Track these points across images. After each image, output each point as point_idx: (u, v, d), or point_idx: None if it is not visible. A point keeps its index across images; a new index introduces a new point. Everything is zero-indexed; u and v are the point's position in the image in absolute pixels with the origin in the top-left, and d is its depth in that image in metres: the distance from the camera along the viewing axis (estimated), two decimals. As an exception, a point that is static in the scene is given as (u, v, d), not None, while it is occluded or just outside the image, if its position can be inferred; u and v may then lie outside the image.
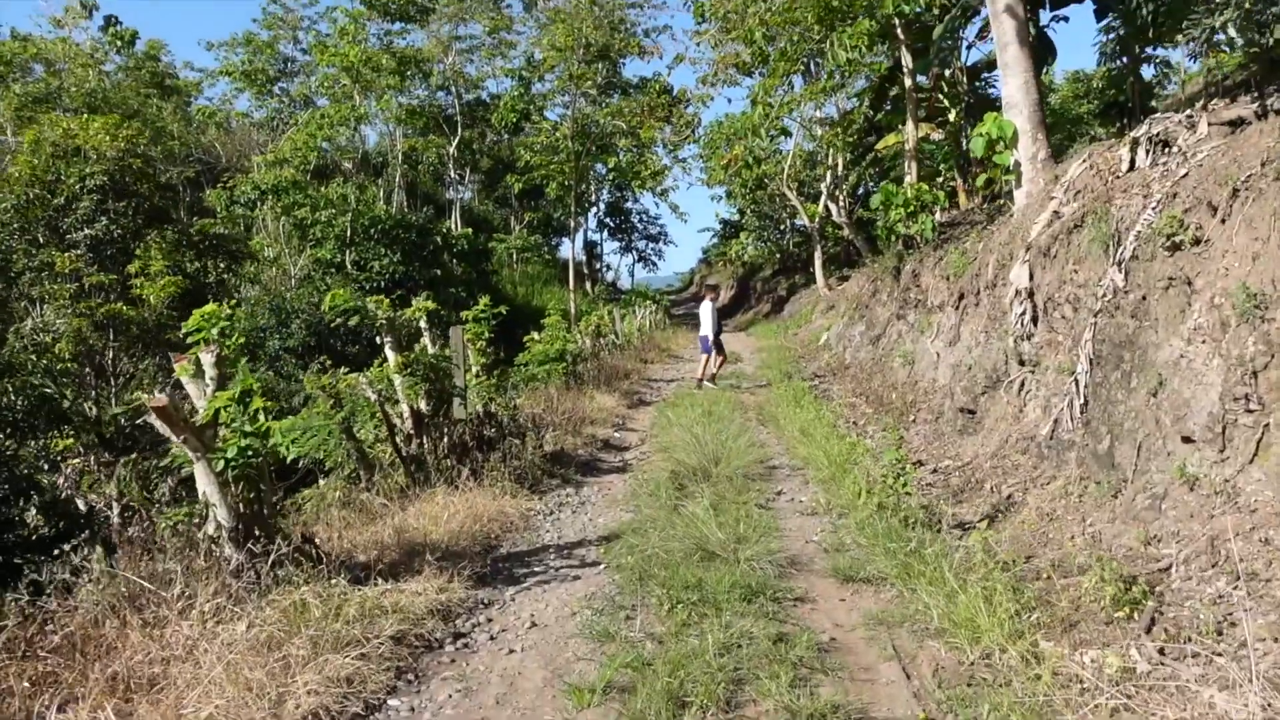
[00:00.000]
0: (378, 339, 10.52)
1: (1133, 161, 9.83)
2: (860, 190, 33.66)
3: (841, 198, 30.16)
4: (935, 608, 5.71)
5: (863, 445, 10.66)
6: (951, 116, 21.76)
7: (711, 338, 19.29)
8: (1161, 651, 4.94)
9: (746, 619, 5.70)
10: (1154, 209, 8.33)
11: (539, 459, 10.75)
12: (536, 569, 7.24)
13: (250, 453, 5.87)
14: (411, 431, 10.10)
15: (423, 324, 11.10)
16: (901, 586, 6.31)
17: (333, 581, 5.92)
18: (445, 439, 10.23)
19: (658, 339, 30.04)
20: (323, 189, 33.47)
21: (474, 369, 12.44)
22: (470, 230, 34.46)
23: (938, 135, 22.07)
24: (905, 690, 4.91)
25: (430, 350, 11.10)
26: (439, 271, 32.89)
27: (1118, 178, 9.77)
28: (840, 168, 29.04)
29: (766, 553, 7.00)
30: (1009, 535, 7.54)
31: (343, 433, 9.37)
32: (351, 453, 9.44)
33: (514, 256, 41.79)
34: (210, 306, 6.25)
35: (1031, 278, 10.21)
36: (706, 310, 19.56)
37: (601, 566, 7.20)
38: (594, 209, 49.51)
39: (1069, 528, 7.27)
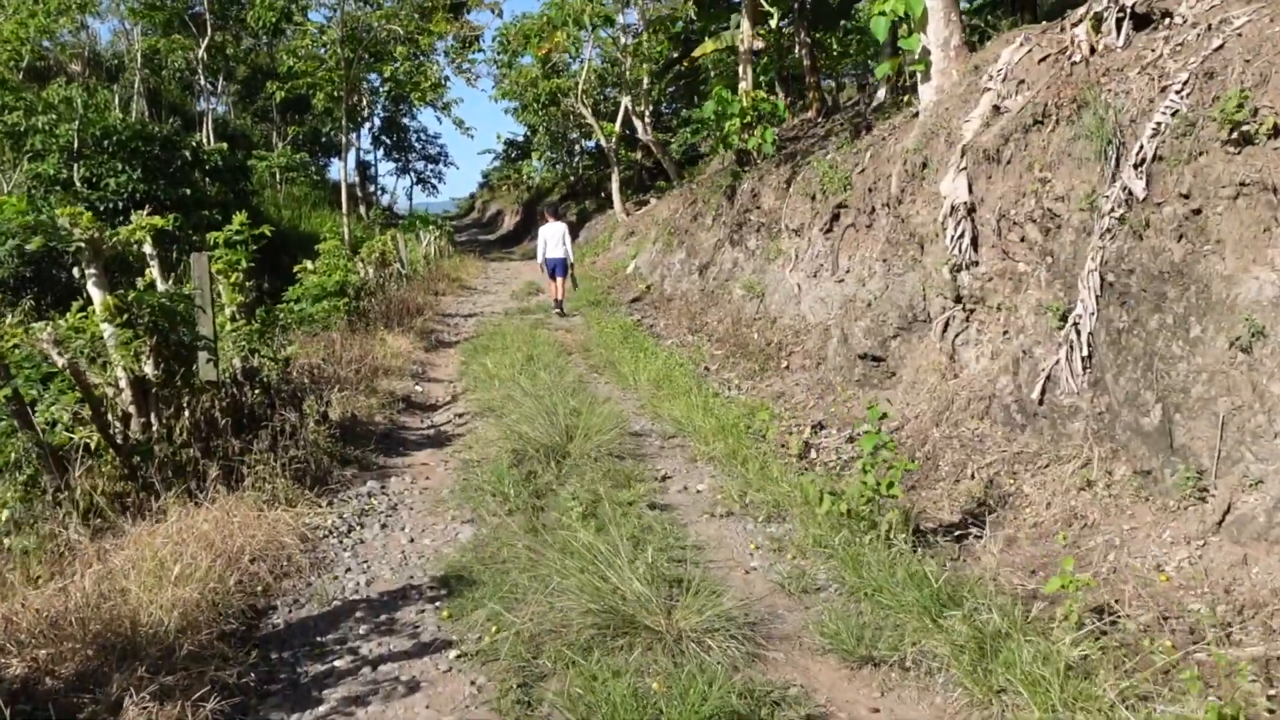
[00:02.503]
0: (76, 272, 7.01)
1: (1092, 45, 7.57)
2: (662, 109, 31.03)
3: (647, 115, 27.38)
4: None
5: (766, 409, 8.09)
6: (773, 23, 19.33)
7: (572, 259, 17.99)
8: None
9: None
10: (1179, 93, 6.02)
11: (324, 438, 7.56)
12: (339, 664, 4.19)
13: None
14: (131, 408, 6.71)
15: (147, 249, 7.58)
16: (969, 683, 3.72)
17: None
18: (185, 416, 6.90)
19: (446, 268, 26.58)
20: (42, 92, 27.80)
21: (228, 310, 9.02)
22: (225, 145, 29.57)
23: (758, 44, 19.57)
24: None
25: (161, 286, 7.64)
26: (189, 191, 27.98)
27: (1078, 62, 7.47)
28: (645, 81, 26.23)
29: (718, 616, 4.26)
30: (1031, 553, 5.13)
31: (12, 416, 5.93)
32: (31, 449, 6.00)
33: (277, 176, 36.71)
34: None
35: (971, 190, 7.83)
36: (558, 232, 17.67)
37: (452, 655, 4.24)
38: (368, 124, 44.66)
39: (1135, 545, 4.90)
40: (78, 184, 25.74)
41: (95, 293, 6.76)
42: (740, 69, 16.72)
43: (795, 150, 14.57)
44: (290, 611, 4.77)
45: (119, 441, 6.44)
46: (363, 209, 40.35)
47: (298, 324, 12.39)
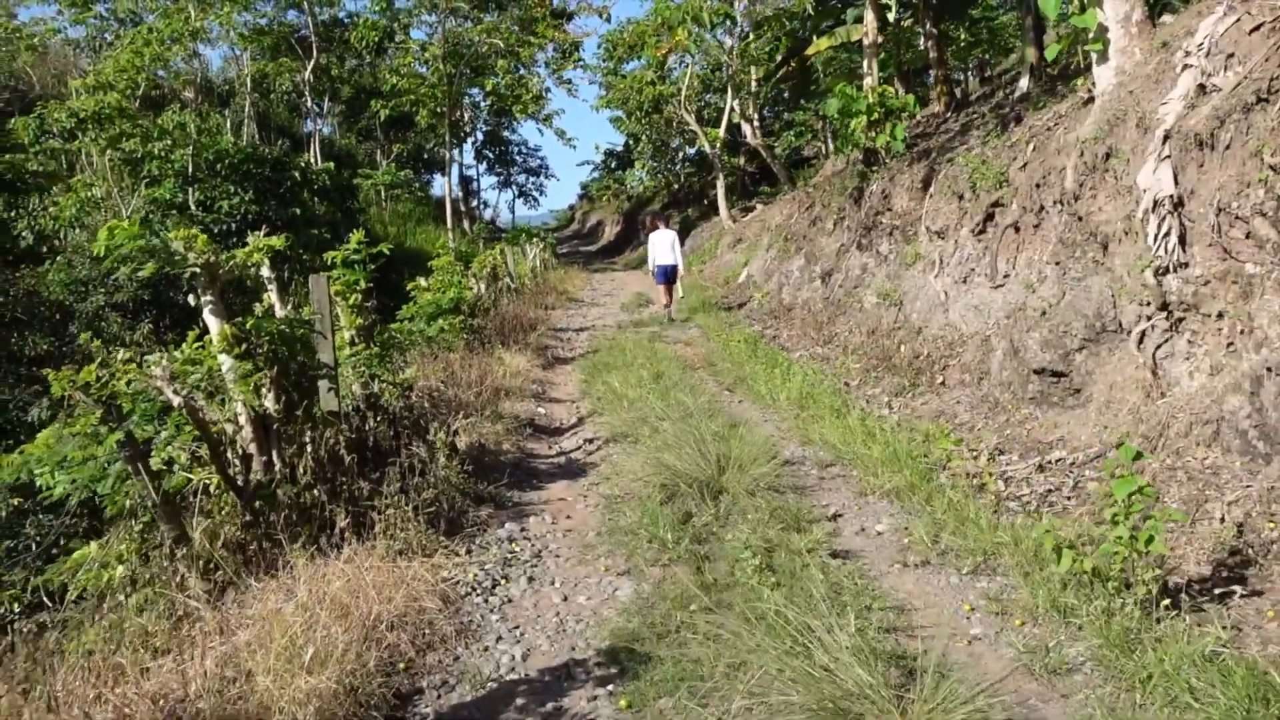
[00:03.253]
0: (190, 298, 6.45)
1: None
2: (764, 114, 30.07)
3: (755, 118, 26.45)
4: None
5: (946, 436, 7.16)
6: (891, 15, 18.27)
7: (681, 265, 17.85)
8: None
9: None
10: None
11: (456, 474, 6.87)
12: (506, 777, 3.47)
13: None
14: (252, 447, 6.12)
15: (265, 271, 7.01)
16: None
17: None
18: (308, 454, 6.29)
19: (553, 281, 26.05)
20: (157, 119, 28.17)
21: (346, 334, 8.47)
22: (332, 165, 29.62)
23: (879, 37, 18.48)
24: None
25: (280, 311, 7.07)
26: (298, 211, 28.07)
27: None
28: (754, 83, 25.31)
29: (970, 716, 3.39)
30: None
31: (126, 461, 5.35)
32: (147, 497, 5.42)
33: (382, 194, 36.80)
34: None
35: (1177, 181, 6.79)
36: (667, 239, 17.57)
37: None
38: (470, 139, 44.55)
39: None
40: (193, 207, 26.02)
41: (212, 321, 6.19)
42: (865, 63, 15.66)
43: (929, 148, 13.55)
44: (439, 696, 4.03)
45: (240, 484, 5.85)
46: (466, 223, 40.24)
47: (413, 344, 11.82)
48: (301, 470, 6.21)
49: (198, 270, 6.12)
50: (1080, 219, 8.12)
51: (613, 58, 28.96)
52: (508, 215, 57.39)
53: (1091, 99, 8.67)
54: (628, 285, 26.25)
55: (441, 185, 41.10)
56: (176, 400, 5.34)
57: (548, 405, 11.14)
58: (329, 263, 8.63)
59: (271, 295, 7.12)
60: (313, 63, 34.16)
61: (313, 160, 32.89)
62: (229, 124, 32.73)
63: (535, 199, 54.91)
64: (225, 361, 6.12)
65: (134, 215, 25.18)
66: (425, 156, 42.51)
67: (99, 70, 27.96)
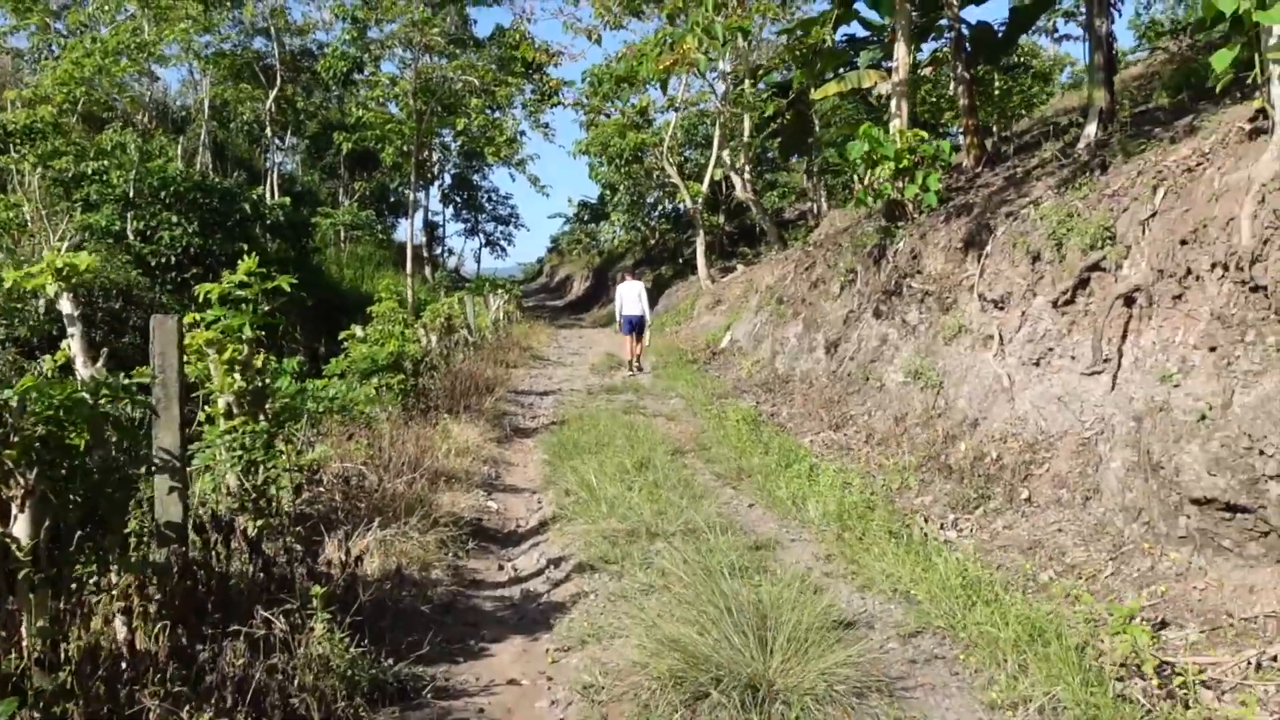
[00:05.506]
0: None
1: None
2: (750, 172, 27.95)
3: (747, 171, 24.16)
4: None
5: (1133, 623, 4.61)
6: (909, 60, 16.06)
7: (648, 316, 17.53)
8: None
9: None
10: None
11: (342, 650, 4.16)
12: None
13: None
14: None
15: (65, 307, 4.38)
16: None
17: None
18: (79, 629, 3.61)
19: (516, 335, 23.43)
20: (96, 137, 25.41)
21: (221, 402, 5.83)
22: (288, 200, 26.96)
23: (886, 85, 16.15)
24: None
25: (84, 372, 4.43)
26: (245, 246, 25.14)
27: None
28: (746, 134, 23.05)
29: None
30: None
31: None
32: None
33: (342, 234, 34.12)
34: None
35: None
36: (634, 289, 17.26)
37: None
38: (438, 182, 41.99)
39: None
40: (130, 236, 23.25)
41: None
42: (893, 104, 13.36)
43: (970, 202, 11.21)
44: None
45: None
46: (428, 270, 37.61)
47: (337, 410, 9.10)
48: (75, 651, 3.55)
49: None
50: (1256, 289, 5.71)
51: (597, 94, 26.57)
52: (473, 265, 54.84)
53: (1258, 130, 6.31)
54: (597, 343, 23.79)
55: (405, 229, 38.56)
56: None
57: (501, 496, 8.53)
58: (200, 299, 5.98)
59: (73, 344, 4.48)
60: (275, 91, 31.64)
61: (270, 195, 30.23)
62: (181, 151, 30.03)
63: (503, 249, 52.46)
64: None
65: (63, 243, 22.36)
66: (390, 199, 39.92)
67: (38, 83, 25.25)
